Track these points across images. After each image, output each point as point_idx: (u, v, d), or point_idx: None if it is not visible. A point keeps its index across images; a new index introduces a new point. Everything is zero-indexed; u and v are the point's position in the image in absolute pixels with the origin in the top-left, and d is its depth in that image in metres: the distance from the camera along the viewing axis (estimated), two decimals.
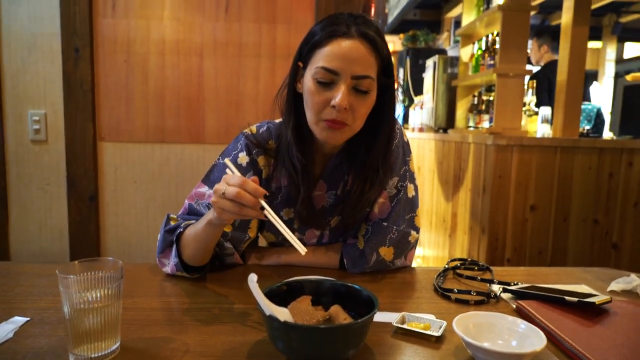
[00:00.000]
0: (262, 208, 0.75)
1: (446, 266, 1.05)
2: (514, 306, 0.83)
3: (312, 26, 0.92)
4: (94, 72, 1.75)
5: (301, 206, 0.96)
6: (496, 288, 0.91)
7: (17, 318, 0.73)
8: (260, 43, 1.79)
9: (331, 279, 0.74)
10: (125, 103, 1.78)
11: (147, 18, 1.75)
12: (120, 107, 1.78)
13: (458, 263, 1.08)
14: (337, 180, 1.02)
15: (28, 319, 0.73)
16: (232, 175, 0.77)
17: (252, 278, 0.56)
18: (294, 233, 1.02)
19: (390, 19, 6.34)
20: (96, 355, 0.61)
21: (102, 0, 1.73)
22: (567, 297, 0.79)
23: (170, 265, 0.93)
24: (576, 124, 2.45)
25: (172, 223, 0.97)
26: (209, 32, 1.78)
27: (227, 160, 0.83)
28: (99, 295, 0.62)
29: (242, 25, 1.78)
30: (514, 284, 0.92)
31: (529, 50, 3.62)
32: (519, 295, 0.87)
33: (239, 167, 0.98)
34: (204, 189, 0.99)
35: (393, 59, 1.07)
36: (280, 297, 0.67)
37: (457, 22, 5.56)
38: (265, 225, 1.07)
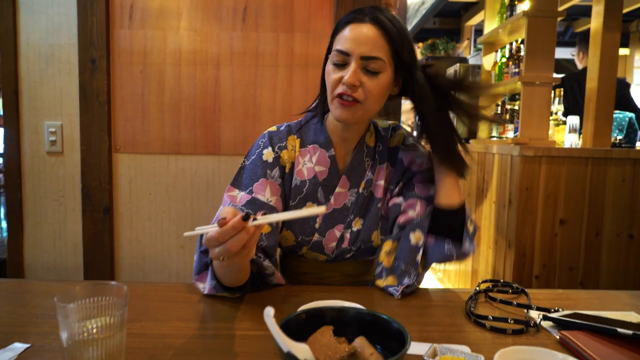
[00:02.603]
0: (255, 219, 0.66)
1: (477, 288, 0.97)
2: (558, 337, 0.75)
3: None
4: (110, 83, 1.73)
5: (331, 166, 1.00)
6: (535, 315, 0.83)
7: (17, 344, 0.68)
8: (278, 52, 1.75)
9: (355, 305, 0.68)
10: (140, 114, 1.75)
11: (164, 29, 1.73)
12: (135, 118, 1.75)
13: (490, 285, 1.00)
14: (359, 176, 1.03)
15: (28, 345, 0.68)
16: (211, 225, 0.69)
17: (269, 312, 0.49)
18: (313, 234, 1.01)
19: (409, 28, 6.29)
20: None
21: (119, 11, 1.72)
22: (619, 329, 0.70)
23: (207, 287, 0.89)
24: (608, 134, 2.34)
25: None
26: (226, 42, 1.74)
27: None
28: (100, 324, 0.56)
29: (259, 34, 1.74)
30: (555, 310, 0.84)
31: (573, 56, 3.53)
32: (562, 324, 0.78)
33: (264, 163, 0.99)
34: (235, 192, 0.98)
35: None
36: (299, 327, 0.61)
37: (478, 30, 5.47)
38: (282, 225, 1.03)
